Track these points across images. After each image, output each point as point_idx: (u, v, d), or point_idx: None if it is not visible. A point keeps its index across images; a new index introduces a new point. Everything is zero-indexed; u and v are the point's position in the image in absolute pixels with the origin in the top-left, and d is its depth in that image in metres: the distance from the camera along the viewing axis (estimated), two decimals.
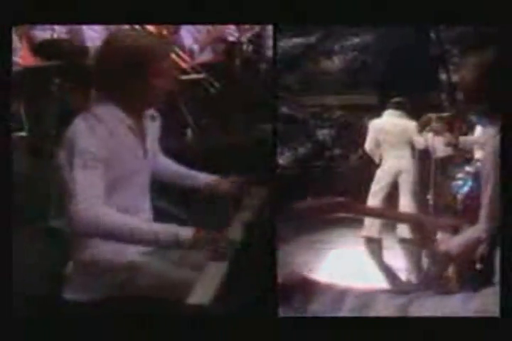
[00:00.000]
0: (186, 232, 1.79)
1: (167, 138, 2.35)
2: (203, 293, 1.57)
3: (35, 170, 1.79)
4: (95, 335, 1.62)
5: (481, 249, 1.89)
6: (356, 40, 7.55)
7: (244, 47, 4.78)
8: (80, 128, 1.89)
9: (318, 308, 1.09)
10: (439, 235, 2.05)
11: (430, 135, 4.93)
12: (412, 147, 5.09)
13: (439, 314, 1.00)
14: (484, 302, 1.01)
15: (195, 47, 4.73)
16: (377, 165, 5.22)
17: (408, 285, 3.92)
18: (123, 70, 1.92)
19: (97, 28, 4.26)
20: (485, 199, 1.87)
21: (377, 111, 5.44)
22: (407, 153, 5.08)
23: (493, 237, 1.83)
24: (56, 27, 4.29)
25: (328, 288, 1.12)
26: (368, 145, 5.27)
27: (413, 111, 5.22)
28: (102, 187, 1.82)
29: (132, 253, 1.99)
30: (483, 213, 1.88)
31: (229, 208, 2.30)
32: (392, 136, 5.08)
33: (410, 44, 7.08)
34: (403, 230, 4.87)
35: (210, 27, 4.77)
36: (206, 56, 4.81)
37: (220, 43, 4.83)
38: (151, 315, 1.66)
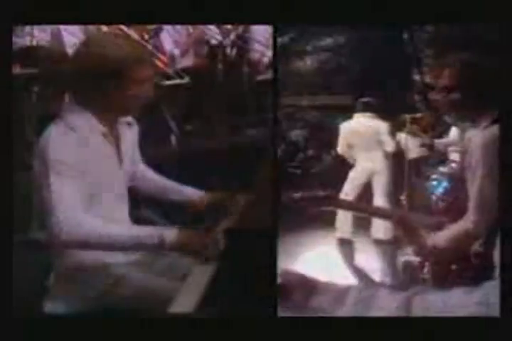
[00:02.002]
0: (170, 234, 1.77)
1: (150, 145, 2.32)
2: (188, 298, 1.54)
3: (16, 180, 1.76)
4: None
5: (477, 245, 1.86)
6: (329, 40, 7.56)
7: (228, 50, 4.72)
8: (51, 137, 1.85)
9: (319, 305, 1.06)
10: (423, 231, 2.02)
11: (404, 136, 4.95)
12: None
13: (440, 305, 1.00)
14: (485, 295, 1.01)
15: (176, 51, 4.65)
16: (351, 166, 5.21)
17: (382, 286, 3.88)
18: (99, 76, 1.83)
19: (77, 33, 4.12)
20: (473, 191, 1.86)
21: (350, 112, 5.43)
22: (379, 154, 5.06)
23: (490, 232, 1.81)
24: (36, 33, 4.19)
25: (328, 286, 1.10)
26: (341, 148, 5.25)
27: (387, 111, 5.22)
28: (78, 195, 1.78)
29: (114, 264, 1.95)
30: (472, 205, 1.86)
31: (212, 216, 2.26)
32: (363, 137, 5.06)
33: (384, 44, 7.13)
34: (377, 231, 4.85)
35: (190, 29, 4.70)
36: (188, 60, 4.72)
37: (202, 46, 4.75)
38: (135, 325, 1.60)
